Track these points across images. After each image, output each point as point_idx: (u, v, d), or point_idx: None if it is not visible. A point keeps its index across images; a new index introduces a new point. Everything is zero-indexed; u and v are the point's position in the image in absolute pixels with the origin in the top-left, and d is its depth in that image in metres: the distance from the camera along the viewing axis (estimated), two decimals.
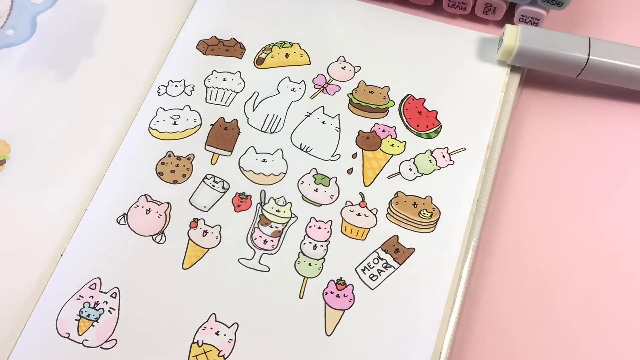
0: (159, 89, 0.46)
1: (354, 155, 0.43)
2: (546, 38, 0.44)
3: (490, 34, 0.47)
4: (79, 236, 0.40)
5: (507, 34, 0.44)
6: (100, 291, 0.38)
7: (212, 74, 0.46)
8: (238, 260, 0.39)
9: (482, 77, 0.45)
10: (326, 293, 0.38)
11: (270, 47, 0.47)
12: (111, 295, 0.38)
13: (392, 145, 0.43)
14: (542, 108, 0.46)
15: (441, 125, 0.44)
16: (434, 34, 0.47)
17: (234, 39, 0.48)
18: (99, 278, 0.39)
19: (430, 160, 0.42)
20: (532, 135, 0.45)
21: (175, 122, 0.44)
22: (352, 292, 0.38)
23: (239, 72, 0.46)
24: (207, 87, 0.46)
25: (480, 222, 0.40)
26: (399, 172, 0.42)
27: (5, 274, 0.39)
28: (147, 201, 0.41)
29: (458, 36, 0.47)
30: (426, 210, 0.41)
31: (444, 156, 0.43)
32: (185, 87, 0.46)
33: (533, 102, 0.46)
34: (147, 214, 0.41)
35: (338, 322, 0.38)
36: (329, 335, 0.37)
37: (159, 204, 0.41)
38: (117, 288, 0.38)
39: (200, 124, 0.44)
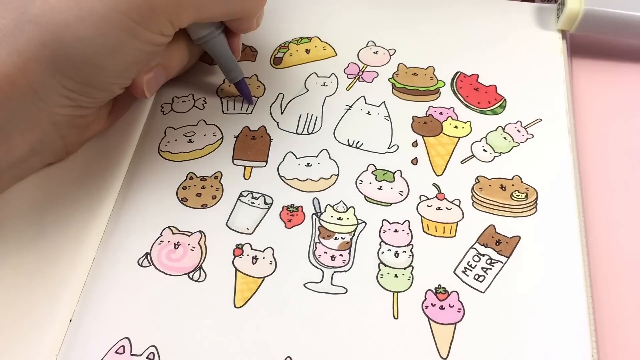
0: (162, 107, 0.38)
1: (415, 144, 0.35)
2: None
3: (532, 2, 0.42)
4: (91, 291, 0.31)
5: None
6: (132, 354, 0.29)
7: (224, 82, 0.39)
8: (304, 285, 0.31)
9: (534, 45, 0.40)
10: (426, 307, 0.30)
11: (286, 44, 0.41)
12: (147, 358, 0.29)
13: (456, 127, 0.36)
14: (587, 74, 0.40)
15: (505, 99, 0.37)
16: (471, 6, 0.42)
17: (241, 43, 0.41)
18: (127, 338, 0.30)
19: (505, 137, 0.36)
20: (591, 98, 0.39)
21: (190, 139, 0.36)
22: (457, 299, 0.30)
23: (255, 75, 0.39)
24: (221, 98, 0.38)
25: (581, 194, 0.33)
26: (473, 155, 0.35)
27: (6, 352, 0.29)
28: (174, 234, 0.33)
29: (499, 6, 0.42)
30: (518, 192, 0.33)
31: (519, 130, 0.36)
32: (195, 100, 0.38)
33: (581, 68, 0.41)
34: (175, 248, 0.32)
35: (452, 340, 0.29)
36: (445, 358, 0.28)
37: (189, 234, 0.33)
38: (154, 347, 0.29)
39: (222, 137, 0.36)
